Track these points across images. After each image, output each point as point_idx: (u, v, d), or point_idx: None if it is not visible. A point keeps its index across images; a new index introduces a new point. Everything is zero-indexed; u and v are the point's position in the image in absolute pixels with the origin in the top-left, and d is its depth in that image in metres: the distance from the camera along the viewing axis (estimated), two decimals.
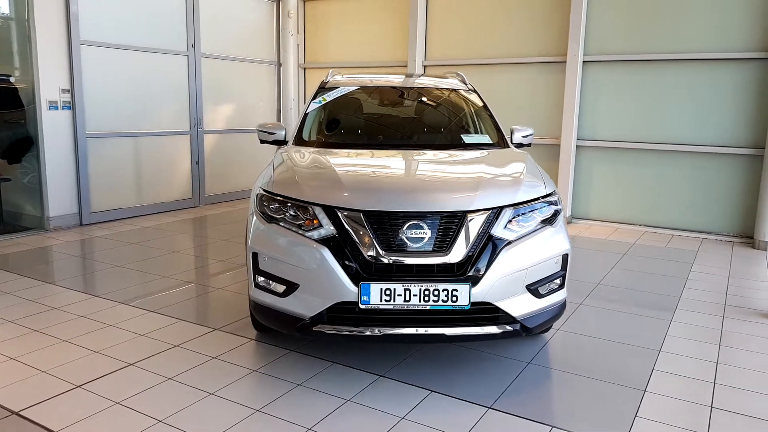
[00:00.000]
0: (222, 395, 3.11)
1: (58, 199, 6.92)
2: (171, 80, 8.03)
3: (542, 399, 3.16)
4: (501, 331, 3.13)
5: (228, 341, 3.80)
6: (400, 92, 4.87)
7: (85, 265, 5.52)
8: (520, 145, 4.45)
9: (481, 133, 4.44)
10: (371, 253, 3.03)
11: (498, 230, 3.13)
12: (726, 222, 7.05)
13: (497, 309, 3.09)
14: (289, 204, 3.26)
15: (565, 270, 3.36)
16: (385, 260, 3.02)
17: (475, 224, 3.10)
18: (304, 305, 3.12)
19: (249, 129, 9.26)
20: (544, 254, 3.22)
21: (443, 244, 3.07)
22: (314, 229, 3.14)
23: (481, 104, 4.69)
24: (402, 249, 3.05)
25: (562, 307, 3.41)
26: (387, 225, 3.07)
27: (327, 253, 3.04)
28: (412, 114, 4.77)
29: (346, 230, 3.08)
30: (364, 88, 4.84)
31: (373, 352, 3.61)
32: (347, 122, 4.63)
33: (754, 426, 2.94)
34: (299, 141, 4.26)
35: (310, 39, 9.79)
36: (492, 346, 3.77)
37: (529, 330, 3.20)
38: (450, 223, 3.09)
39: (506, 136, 4.45)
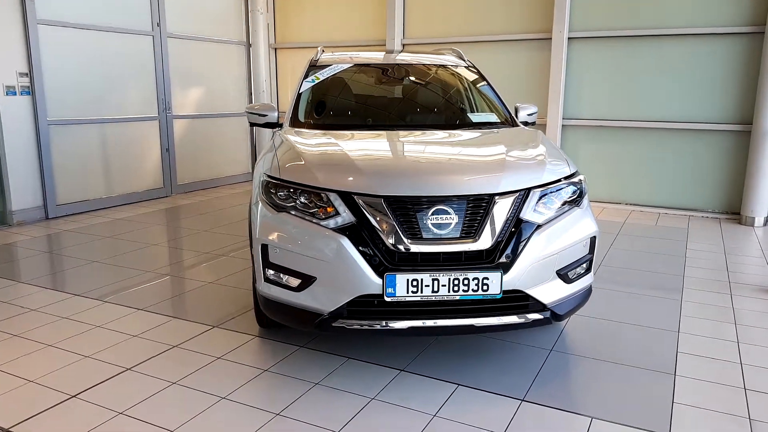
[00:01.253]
0: (236, 399, 2.86)
1: (21, 191, 6.44)
2: (137, 62, 7.57)
3: (574, 388, 3.02)
4: (532, 319, 2.97)
5: (230, 339, 3.54)
6: (398, 70, 4.62)
7: (58, 262, 5.14)
8: (525, 124, 4.28)
9: (489, 111, 4.24)
10: (395, 241, 2.81)
11: (527, 213, 2.94)
12: (712, 199, 7.08)
13: (527, 297, 2.92)
14: (299, 191, 3.00)
15: (593, 253, 3.21)
16: (410, 249, 2.81)
17: (503, 207, 2.91)
18: (322, 299, 2.88)
19: (219, 113, 8.86)
20: (574, 237, 3.06)
21: (471, 230, 2.87)
22: (330, 217, 2.90)
23: (483, 81, 4.49)
24: (427, 236, 2.84)
25: (589, 292, 3.27)
26: (410, 211, 2.85)
27: (347, 243, 2.81)
28: (414, 92, 4.54)
29: (366, 218, 2.85)
30: (358, 66, 4.57)
31: (388, 346, 3.40)
32: (347, 102, 4.36)
33: None
34: (296, 123, 3.99)
35: (281, 18, 9.39)
36: (510, 333, 3.61)
37: (559, 317, 3.05)
38: (477, 207, 2.89)
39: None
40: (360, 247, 2.81)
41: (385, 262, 2.80)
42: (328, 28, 9.03)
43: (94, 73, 7.07)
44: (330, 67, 4.44)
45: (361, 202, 2.87)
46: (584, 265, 3.17)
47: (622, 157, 7.43)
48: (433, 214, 2.85)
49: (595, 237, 3.19)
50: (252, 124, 4.24)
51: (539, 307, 2.96)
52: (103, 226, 6.36)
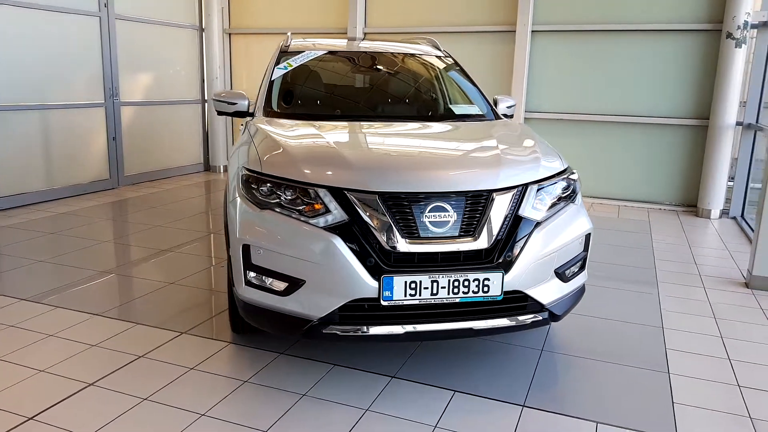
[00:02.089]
0: (217, 415, 2.61)
1: None
2: (82, 45, 7.04)
3: (572, 391, 2.92)
4: (530, 321, 2.84)
5: (202, 347, 3.27)
6: (377, 58, 4.40)
7: None
8: (504, 116, 4.16)
9: (471, 103, 4.09)
10: (391, 241, 2.62)
11: (526, 210, 2.80)
12: (670, 192, 7.20)
13: (527, 297, 2.79)
14: (284, 186, 2.76)
15: (587, 251, 3.11)
16: (407, 249, 2.62)
17: (502, 204, 2.76)
18: (311, 304, 2.66)
19: (170, 100, 8.40)
20: (571, 235, 2.95)
21: (470, 228, 2.71)
22: (319, 215, 2.67)
23: (463, 73, 4.34)
24: (425, 235, 2.66)
25: (583, 290, 3.17)
26: (407, 208, 2.66)
27: (340, 243, 2.59)
28: (395, 83, 4.33)
29: (360, 216, 2.64)
30: (334, 54, 4.33)
31: (374, 351, 3.21)
32: (326, 91, 4.12)
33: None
34: (270, 112, 3.72)
35: (236, 1, 8.96)
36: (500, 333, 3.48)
37: (556, 318, 2.94)
38: (476, 204, 2.73)
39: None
40: (354, 248, 2.60)
41: (381, 263, 2.60)
42: (285, 14, 8.69)
43: (34, 56, 6.52)
44: (303, 53, 4.18)
45: (353, 198, 2.66)
46: (579, 263, 3.07)
47: (583, 150, 7.46)
48: (430, 211, 2.67)
49: (590, 234, 3.09)
50: (220, 113, 3.94)
51: (537, 307, 2.84)
52: (46, 222, 5.88)
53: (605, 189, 7.47)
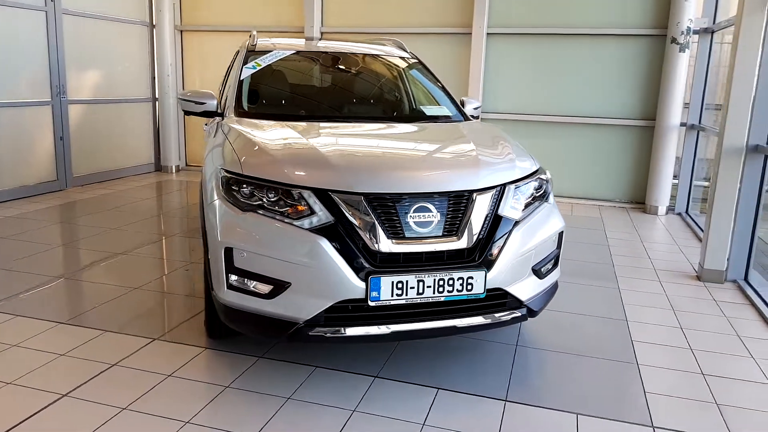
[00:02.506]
0: (201, 422, 2.56)
1: None
2: (26, 41, 6.72)
3: (550, 384, 3.01)
4: (510, 317, 2.91)
5: (177, 353, 3.19)
6: (346, 59, 4.40)
7: None
8: (472, 117, 4.23)
9: (439, 105, 4.15)
10: (376, 242, 2.63)
11: (505, 210, 2.88)
12: (620, 189, 7.50)
13: (506, 294, 2.86)
14: (266, 188, 2.74)
15: (560, 248, 3.21)
16: (393, 249, 2.65)
17: (482, 204, 2.82)
18: (297, 307, 2.65)
19: (121, 98, 8.13)
20: (546, 233, 3.04)
21: (453, 228, 2.76)
22: (304, 216, 2.66)
23: (430, 74, 4.39)
24: (410, 236, 2.69)
25: (556, 286, 3.27)
26: (392, 209, 2.69)
27: (326, 245, 2.59)
28: (365, 83, 4.34)
29: (345, 217, 2.65)
30: (303, 54, 4.30)
31: (353, 351, 3.22)
32: (297, 91, 4.09)
33: (748, 387, 3.03)
34: (242, 112, 3.66)
35: None
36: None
37: (534, 313, 3.02)
38: (458, 204, 2.78)
39: None
40: (340, 249, 2.60)
41: (368, 263, 2.62)
42: (240, 11, 8.54)
43: None
44: (271, 53, 4.13)
45: (338, 199, 2.66)
46: (553, 260, 3.17)
47: (537, 150, 7.57)
48: (414, 211, 2.70)
49: (562, 232, 3.19)
50: (187, 113, 3.85)
51: (516, 304, 2.92)
52: None
53: (558, 187, 7.69)
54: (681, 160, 7.17)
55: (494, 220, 2.84)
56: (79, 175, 7.57)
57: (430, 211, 2.72)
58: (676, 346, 3.49)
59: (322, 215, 2.65)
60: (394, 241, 2.66)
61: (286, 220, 2.67)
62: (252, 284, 2.71)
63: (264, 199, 2.73)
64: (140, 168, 8.61)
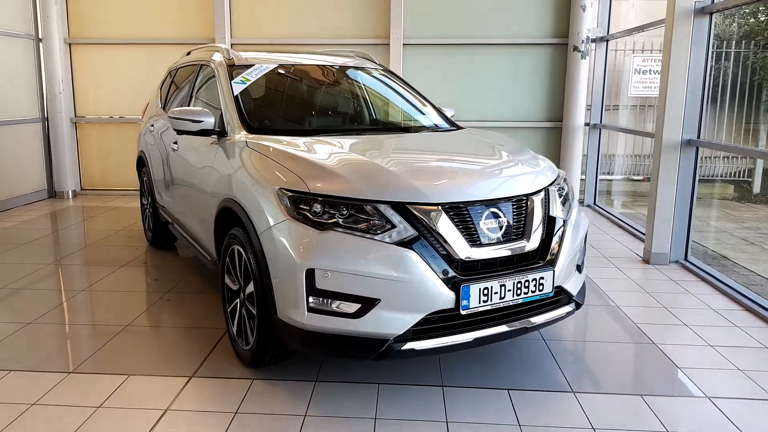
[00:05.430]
0: None
1: None
2: None
3: (597, 371, 3.20)
4: (565, 312, 3.06)
5: (225, 389, 2.93)
6: (336, 73, 4.31)
7: None
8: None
9: (429, 113, 4.24)
10: (458, 250, 2.65)
11: (555, 210, 3.03)
12: None
13: (561, 290, 3.01)
14: (339, 205, 2.64)
15: (586, 242, 3.43)
16: (473, 257, 2.68)
17: (538, 206, 2.95)
18: (386, 323, 2.57)
19: (4, 120, 7.17)
20: (584, 229, 3.25)
21: (520, 231, 2.85)
22: (385, 231, 2.60)
23: (409, 86, 4.46)
24: (485, 242, 2.74)
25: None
26: (467, 217, 2.72)
27: (415, 257, 2.55)
28: (364, 95, 4.28)
29: (426, 228, 2.63)
30: (289, 67, 4.15)
31: (406, 365, 3.17)
32: (302, 105, 3.95)
33: (759, 354, 3.44)
34: (253, 129, 3.44)
35: (75, 7, 7.93)
36: None
37: (579, 307, 3.20)
38: (520, 208, 2.88)
39: None
40: (428, 261, 2.58)
41: (455, 273, 2.62)
42: (136, 22, 7.92)
43: None
44: (254, 67, 3.94)
45: (416, 212, 2.64)
46: (583, 255, 3.38)
47: None
48: (486, 218, 2.76)
49: (588, 228, 3.42)
50: (180, 132, 3.55)
51: (568, 299, 3.08)
52: None
53: None
54: (587, 157, 7.88)
55: (549, 221, 2.97)
56: None
57: (499, 217, 2.79)
58: (673, 324, 3.86)
59: (402, 228, 2.61)
60: (473, 248, 2.69)
61: (367, 236, 2.59)
62: (336, 304, 2.58)
63: (337, 217, 2.63)
64: (31, 196, 7.66)
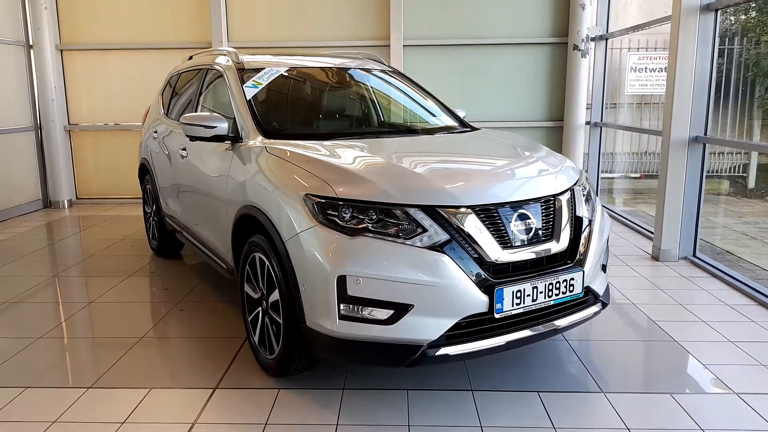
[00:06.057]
0: None
1: None
2: None
3: (627, 370, 3.18)
4: (593, 312, 3.03)
5: (252, 400, 2.87)
6: (349, 74, 4.26)
7: None
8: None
9: (450, 115, 4.21)
10: (490, 253, 2.61)
11: (580, 210, 3.01)
12: None
13: (588, 290, 2.99)
14: (369, 209, 2.59)
15: (608, 242, 3.41)
16: (505, 259, 2.64)
17: (565, 206, 2.92)
18: (420, 329, 2.53)
19: None
20: (608, 228, 3.23)
21: (549, 232, 2.82)
22: (416, 235, 2.56)
23: (420, 87, 4.42)
24: (516, 244, 2.70)
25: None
26: (497, 219, 2.68)
27: (450, 261, 2.52)
28: (378, 97, 4.24)
29: (457, 231, 2.59)
30: (301, 70, 4.10)
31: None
32: (317, 109, 3.89)
33: None
34: (270, 134, 3.38)
35: (66, 13, 7.80)
36: None
37: (605, 306, 3.17)
38: (548, 209, 2.86)
39: None
40: (460, 264, 2.54)
41: (488, 276, 2.59)
42: (129, 26, 7.80)
43: None
44: (264, 70, 3.88)
45: (447, 215, 2.60)
46: (607, 254, 3.36)
47: None
48: (516, 219, 2.73)
49: (609, 227, 3.40)
50: (193, 138, 3.49)
51: (595, 299, 3.05)
52: None
53: None
54: (588, 156, 7.90)
55: (576, 221, 2.95)
56: None
57: (528, 218, 2.76)
58: (691, 321, 3.86)
59: (433, 232, 2.57)
60: (504, 250, 2.66)
61: (398, 240, 2.54)
62: (368, 311, 2.54)
63: (366, 222, 2.58)
64: (25, 207, 7.52)
